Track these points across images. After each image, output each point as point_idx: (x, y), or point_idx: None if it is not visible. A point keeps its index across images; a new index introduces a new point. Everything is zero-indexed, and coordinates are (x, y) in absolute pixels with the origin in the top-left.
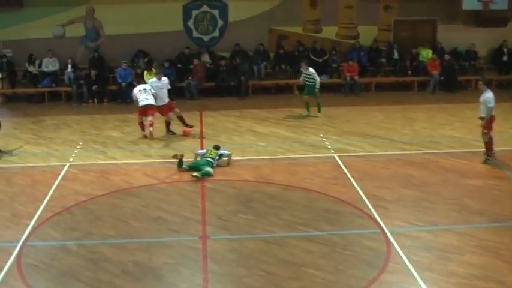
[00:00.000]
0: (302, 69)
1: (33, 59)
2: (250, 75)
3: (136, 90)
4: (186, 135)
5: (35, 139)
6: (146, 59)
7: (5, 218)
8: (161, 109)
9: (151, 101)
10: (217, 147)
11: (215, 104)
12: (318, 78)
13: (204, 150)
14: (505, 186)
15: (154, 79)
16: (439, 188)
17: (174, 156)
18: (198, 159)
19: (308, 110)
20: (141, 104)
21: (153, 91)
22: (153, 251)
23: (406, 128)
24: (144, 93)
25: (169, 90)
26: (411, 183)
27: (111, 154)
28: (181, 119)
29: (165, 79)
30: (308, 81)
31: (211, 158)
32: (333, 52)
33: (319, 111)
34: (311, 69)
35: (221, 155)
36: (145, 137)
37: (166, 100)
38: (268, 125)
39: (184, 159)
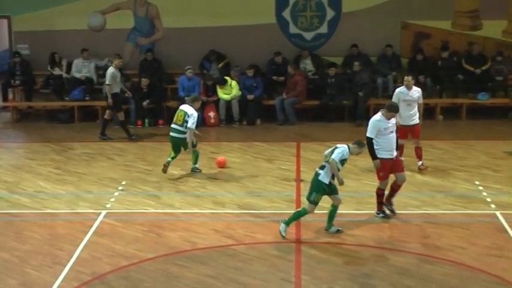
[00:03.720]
0: None
1: (57, 59)
2: (372, 91)
3: None
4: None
5: (58, 175)
6: (221, 64)
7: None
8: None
9: None
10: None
11: (319, 131)
12: None
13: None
14: None
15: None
16: None
17: None
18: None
19: None
20: None
21: None
22: None
23: None
24: None
25: (254, 110)
26: None
27: (167, 200)
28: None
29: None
30: None
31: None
32: (498, 59)
33: None
34: None
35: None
36: None
37: None
38: None
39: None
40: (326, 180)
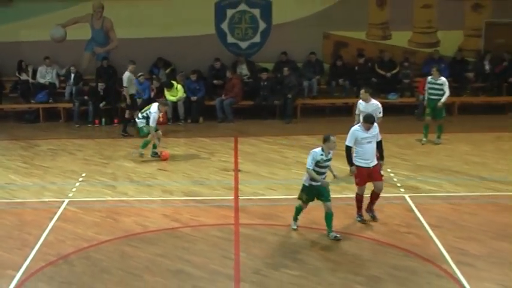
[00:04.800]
0: (431, 78)
1: (24, 66)
2: (299, 92)
3: None
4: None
5: (26, 168)
6: (168, 70)
7: None
8: None
9: None
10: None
11: (254, 128)
12: (448, 92)
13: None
14: None
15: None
16: None
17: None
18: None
19: (426, 136)
20: None
21: None
22: None
23: (499, 162)
24: None
25: (197, 110)
26: (506, 234)
27: (122, 189)
28: None
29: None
30: (434, 95)
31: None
32: (405, 64)
33: (439, 137)
34: (443, 78)
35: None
36: None
37: None
38: None
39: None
40: (306, 183)
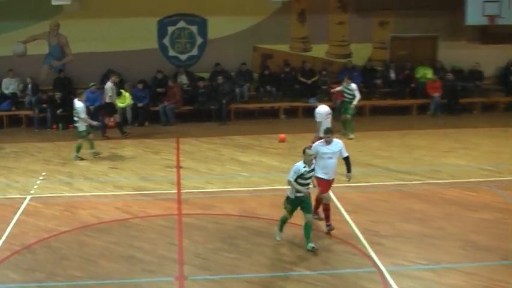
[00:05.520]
0: (344, 84)
1: None
2: (232, 98)
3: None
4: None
5: None
6: (117, 80)
7: None
8: None
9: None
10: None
11: (193, 130)
12: (359, 95)
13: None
14: None
15: None
16: (442, 222)
17: None
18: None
19: (346, 129)
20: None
21: None
22: None
23: (404, 156)
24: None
25: (143, 115)
26: (411, 217)
27: (78, 186)
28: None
29: None
30: (347, 98)
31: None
32: (323, 73)
33: (352, 132)
34: (353, 84)
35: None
36: None
37: None
38: (252, 153)
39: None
40: (292, 195)
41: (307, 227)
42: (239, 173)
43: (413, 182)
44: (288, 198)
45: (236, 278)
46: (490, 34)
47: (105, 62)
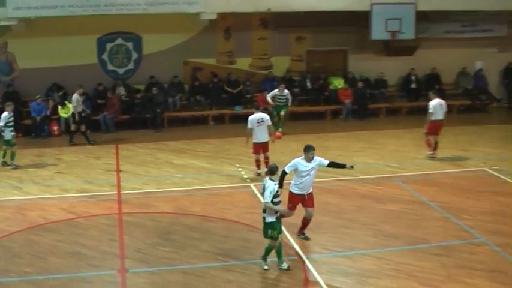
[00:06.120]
0: (278, 91)
1: None
2: (166, 107)
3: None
4: None
5: None
6: (61, 93)
7: None
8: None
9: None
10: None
11: (131, 136)
12: (290, 99)
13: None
14: (419, 210)
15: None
16: (355, 214)
17: None
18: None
19: (279, 123)
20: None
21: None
22: (73, 287)
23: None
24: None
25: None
26: (328, 210)
27: (27, 189)
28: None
29: None
30: (280, 103)
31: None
32: (247, 83)
33: (281, 127)
34: (286, 91)
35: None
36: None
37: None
38: (184, 156)
39: None
40: (271, 219)
41: (278, 248)
42: (173, 174)
43: (329, 179)
44: (268, 224)
45: (173, 269)
46: (392, 47)
47: (50, 76)
